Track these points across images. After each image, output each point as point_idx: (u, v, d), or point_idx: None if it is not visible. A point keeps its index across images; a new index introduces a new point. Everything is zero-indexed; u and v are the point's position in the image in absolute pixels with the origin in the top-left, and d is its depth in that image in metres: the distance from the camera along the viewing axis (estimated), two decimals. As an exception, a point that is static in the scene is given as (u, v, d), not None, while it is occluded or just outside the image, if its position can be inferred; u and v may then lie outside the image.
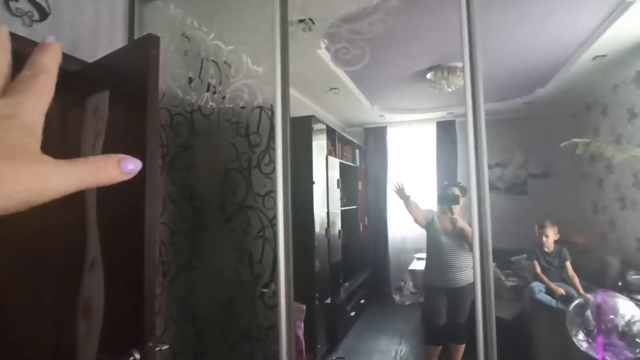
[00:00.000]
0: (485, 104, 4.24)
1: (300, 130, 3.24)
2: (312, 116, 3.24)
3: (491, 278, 1.38)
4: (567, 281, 3.33)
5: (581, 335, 2.20)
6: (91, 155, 1.51)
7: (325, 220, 3.68)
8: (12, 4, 1.29)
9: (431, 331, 3.06)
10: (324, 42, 2.66)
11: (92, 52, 1.56)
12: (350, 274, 4.63)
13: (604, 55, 3.05)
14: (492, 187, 5.24)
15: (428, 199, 3.31)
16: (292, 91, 4.00)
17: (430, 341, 3.13)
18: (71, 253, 1.45)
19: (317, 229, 3.54)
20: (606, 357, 2.10)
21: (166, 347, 1.32)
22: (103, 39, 1.66)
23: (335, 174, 3.95)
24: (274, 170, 1.56)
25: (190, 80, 1.85)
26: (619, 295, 2.19)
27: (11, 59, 0.30)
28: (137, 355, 1.13)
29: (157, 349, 1.17)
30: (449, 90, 3.37)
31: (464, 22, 1.43)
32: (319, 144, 3.57)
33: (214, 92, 1.75)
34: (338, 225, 4.12)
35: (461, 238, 2.81)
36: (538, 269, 3.33)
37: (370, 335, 4.13)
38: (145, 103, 1.21)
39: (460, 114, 5.13)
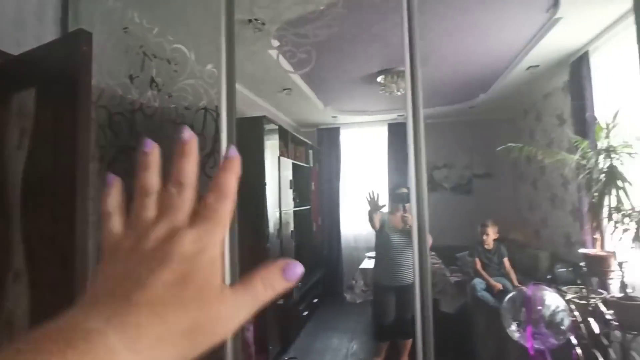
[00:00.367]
0: (434, 107, 4.45)
1: (251, 131, 3.20)
2: (264, 116, 3.21)
3: (429, 275, 1.44)
4: (506, 275, 3.59)
5: (514, 326, 2.38)
6: (15, 156, 1.40)
7: (278, 221, 3.66)
8: None
9: (380, 327, 3.15)
10: (274, 43, 2.65)
11: (19, 46, 1.43)
12: (304, 274, 4.64)
13: (537, 66, 3.31)
14: (439, 187, 5.50)
15: (380, 199, 3.43)
16: (244, 91, 3.96)
17: (379, 337, 3.23)
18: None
19: (271, 229, 3.52)
20: (534, 345, 2.28)
21: None
22: (32, 30, 1.54)
23: (288, 174, 3.94)
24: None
25: (132, 78, 1.76)
26: (546, 287, 2.38)
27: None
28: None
29: None
30: (399, 93, 3.48)
31: (405, 29, 1.48)
32: (271, 145, 3.55)
33: (157, 91, 1.68)
34: (291, 226, 4.12)
35: (410, 236, 2.91)
36: (479, 265, 3.56)
37: (323, 334, 4.17)
38: (76, 103, 1.14)
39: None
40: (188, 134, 0.30)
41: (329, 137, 5.70)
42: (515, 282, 3.42)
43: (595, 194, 2.20)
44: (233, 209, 0.29)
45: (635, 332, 2.10)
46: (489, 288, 3.41)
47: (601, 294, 2.49)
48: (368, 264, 4.08)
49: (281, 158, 3.68)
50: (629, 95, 2.42)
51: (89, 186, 1.15)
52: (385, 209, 3.13)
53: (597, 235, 2.39)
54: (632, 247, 2.04)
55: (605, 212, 2.14)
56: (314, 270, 4.96)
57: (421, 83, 1.50)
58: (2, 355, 0.20)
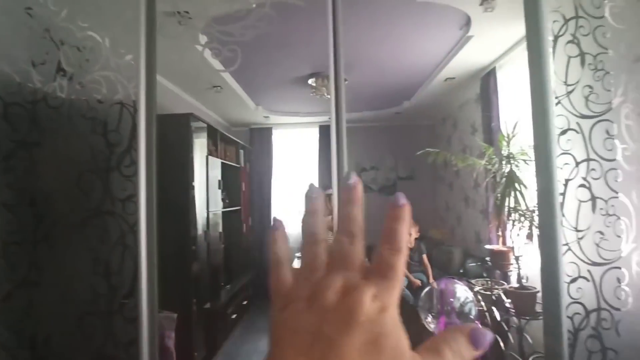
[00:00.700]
0: (362, 112, 4.61)
1: (177, 129, 3.05)
2: (191, 114, 3.08)
3: None
4: (423, 271, 3.87)
5: (429, 318, 2.57)
6: None
7: (205, 222, 3.54)
8: None
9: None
10: (202, 39, 2.56)
11: None
12: (233, 276, 4.55)
13: (453, 78, 3.61)
14: (367, 188, 5.73)
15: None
16: (171, 87, 3.76)
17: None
18: None
19: (199, 231, 3.39)
20: (447, 334, 2.48)
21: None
22: None
23: (216, 174, 3.83)
24: (136, 172, 1.44)
25: (34, 65, 1.58)
26: (457, 281, 2.61)
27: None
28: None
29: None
30: (329, 97, 3.55)
31: (330, 35, 1.52)
32: (200, 144, 3.42)
33: (69, 80, 1.53)
34: (220, 227, 4.00)
35: None
36: None
37: (252, 336, 4.12)
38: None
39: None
40: (354, 179, 0.29)
41: (261, 137, 5.64)
42: (431, 277, 3.72)
43: (498, 195, 2.46)
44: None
45: (528, 317, 2.39)
46: (410, 284, 3.65)
47: (503, 284, 2.79)
48: (297, 264, 4.11)
49: (210, 157, 3.57)
50: (527, 108, 2.75)
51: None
52: None
53: (500, 233, 2.68)
54: (525, 243, 2.32)
55: (505, 212, 2.40)
56: (244, 272, 4.88)
57: (344, 87, 1.55)
58: None
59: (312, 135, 5.62)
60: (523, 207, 2.37)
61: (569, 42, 1.47)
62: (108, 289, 1.48)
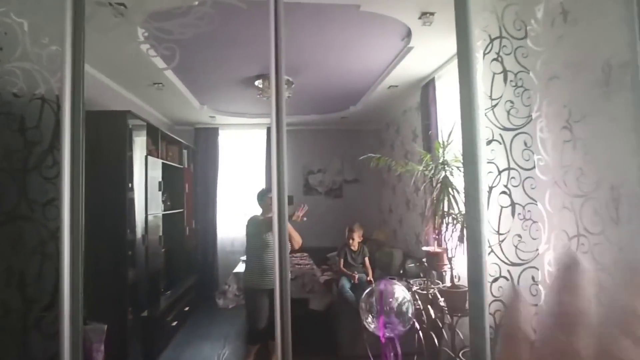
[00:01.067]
0: (310, 115, 4.62)
1: (113, 127, 2.86)
2: (128, 112, 2.91)
3: (288, 277, 1.49)
4: (365, 272, 3.99)
5: (370, 318, 2.64)
6: None
7: (144, 225, 3.36)
8: None
9: (252, 331, 3.14)
10: (140, 33, 2.43)
11: None
12: (173, 282, 4.36)
13: (396, 86, 3.76)
14: (314, 191, 5.78)
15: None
16: (109, 83, 3.53)
17: (251, 341, 3.21)
18: None
19: (137, 235, 3.20)
20: (385, 333, 2.57)
21: None
22: None
23: (157, 175, 3.65)
24: (59, 174, 1.33)
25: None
26: (396, 282, 2.72)
27: None
28: None
29: None
30: (275, 99, 3.54)
31: (272, 38, 1.51)
32: (138, 143, 3.24)
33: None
34: (160, 231, 3.82)
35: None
36: (341, 264, 3.96)
37: (194, 343, 3.97)
38: None
39: (290, 122, 5.46)
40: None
41: (206, 137, 5.47)
42: (371, 277, 3.89)
43: (434, 200, 2.59)
44: None
45: (460, 314, 2.54)
46: (353, 286, 3.75)
47: (438, 284, 2.95)
48: (242, 267, 4.04)
49: (149, 157, 3.39)
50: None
51: None
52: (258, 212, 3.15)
53: (436, 235, 2.84)
54: (458, 245, 2.47)
55: (440, 215, 2.54)
56: (186, 277, 4.69)
57: (283, 91, 1.54)
58: None
59: (260, 137, 5.55)
60: (456, 210, 2.53)
61: (494, 59, 1.60)
62: (23, 302, 1.35)
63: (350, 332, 3.31)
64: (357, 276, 3.80)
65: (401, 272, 3.85)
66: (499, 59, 1.60)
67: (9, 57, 1.40)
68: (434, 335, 2.79)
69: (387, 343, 2.63)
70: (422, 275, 3.28)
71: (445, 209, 2.52)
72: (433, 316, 2.78)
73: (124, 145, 2.92)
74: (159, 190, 3.71)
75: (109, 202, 2.87)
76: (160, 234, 3.82)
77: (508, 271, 1.60)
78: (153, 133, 3.63)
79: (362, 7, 2.17)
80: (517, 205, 1.57)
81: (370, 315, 2.71)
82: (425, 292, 2.87)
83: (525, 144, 1.59)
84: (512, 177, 1.57)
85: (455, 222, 2.48)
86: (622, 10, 1.67)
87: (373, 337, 2.69)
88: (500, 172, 1.57)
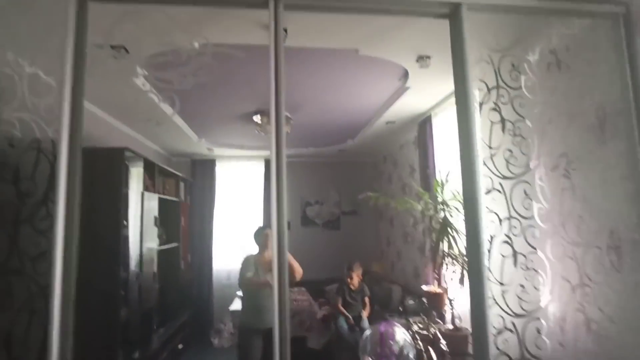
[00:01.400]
0: (307, 148, 4.63)
1: (110, 164, 2.84)
2: (125, 148, 2.90)
3: (287, 315, 1.43)
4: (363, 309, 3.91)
5: (369, 362, 2.56)
6: None
7: (139, 262, 3.29)
8: None
9: (243, 372, 3.02)
10: (141, 70, 2.46)
11: None
12: (167, 318, 4.23)
13: (394, 122, 3.80)
14: (312, 222, 5.73)
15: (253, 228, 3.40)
16: (105, 117, 3.53)
17: (242, 381, 3.09)
18: None
19: (131, 272, 3.13)
20: (386, 379, 2.48)
21: None
22: None
23: (153, 210, 3.61)
24: (51, 227, 1.30)
25: None
26: (396, 324, 2.65)
27: None
28: None
29: None
30: (273, 135, 3.56)
31: (272, 81, 1.52)
32: (135, 179, 3.22)
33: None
34: (154, 267, 3.74)
35: None
36: (339, 304, 3.87)
37: (186, 384, 3.82)
38: None
39: (288, 155, 5.49)
40: None
41: (203, 169, 5.46)
42: (365, 314, 3.82)
43: (434, 239, 2.56)
44: None
45: (462, 358, 2.47)
46: (351, 326, 3.66)
47: (439, 323, 2.88)
48: (238, 304, 3.94)
49: (145, 193, 3.36)
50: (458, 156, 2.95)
51: None
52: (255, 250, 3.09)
53: (436, 274, 2.79)
54: (459, 287, 2.42)
55: (440, 255, 2.51)
56: (180, 313, 4.56)
57: (283, 126, 1.52)
58: None
59: (257, 169, 5.55)
60: (456, 251, 2.49)
61: (491, 109, 1.62)
62: (7, 362, 1.29)
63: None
64: (349, 317, 3.73)
65: (400, 308, 3.76)
66: (497, 108, 1.61)
67: (7, 106, 1.39)
68: (436, 379, 2.69)
69: (388, 389, 2.54)
70: (422, 313, 3.20)
71: (445, 249, 2.49)
72: (435, 359, 2.69)
73: (120, 183, 2.90)
74: (155, 225, 3.66)
75: (103, 241, 2.81)
76: (155, 270, 3.73)
77: (512, 323, 1.55)
78: (150, 168, 3.61)
79: (361, 51, 2.21)
80: (519, 255, 1.55)
81: (369, 357, 2.63)
82: (425, 332, 2.79)
83: (525, 192, 1.58)
84: (514, 226, 1.55)
85: (455, 262, 2.44)
86: (613, 60, 1.71)
87: (373, 381, 2.59)
88: (501, 221, 1.56)
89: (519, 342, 1.54)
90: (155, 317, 3.79)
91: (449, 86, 2.87)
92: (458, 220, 2.56)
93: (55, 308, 1.27)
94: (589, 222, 1.62)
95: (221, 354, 3.96)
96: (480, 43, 1.64)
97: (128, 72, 2.44)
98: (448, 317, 2.97)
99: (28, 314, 1.31)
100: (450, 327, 2.65)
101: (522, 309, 1.54)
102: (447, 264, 2.47)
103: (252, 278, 2.89)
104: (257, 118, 3.52)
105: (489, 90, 1.62)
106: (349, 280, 3.96)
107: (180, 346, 4.30)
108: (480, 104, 1.59)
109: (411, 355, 2.58)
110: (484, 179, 1.54)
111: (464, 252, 2.47)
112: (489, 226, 1.55)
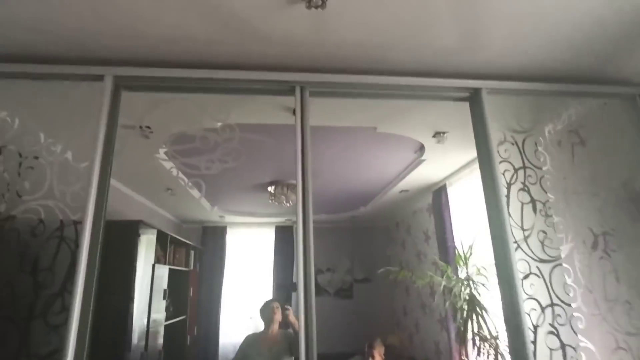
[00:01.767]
0: (320, 214, 4.56)
1: (123, 237, 2.80)
2: (140, 222, 2.88)
3: None
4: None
5: None
6: None
7: (145, 339, 3.10)
8: None
9: None
10: (163, 146, 2.51)
11: None
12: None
13: (407, 190, 3.79)
14: (323, 291, 5.50)
15: (263, 298, 3.22)
16: (121, 187, 3.54)
17: None
18: None
19: (137, 353, 2.93)
20: None
21: None
22: None
23: (162, 283, 3.48)
24: (66, 322, 1.22)
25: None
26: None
27: None
28: None
29: None
30: (288, 205, 3.55)
31: (299, 157, 1.54)
32: (147, 252, 3.15)
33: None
34: (160, 343, 3.52)
35: (279, 355, 2.71)
36: None
37: None
38: None
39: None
40: None
41: (214, 236, 5.39)
42: None
43: (460, 321, 2.40)
44: None
45: None
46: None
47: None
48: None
49: (156, 265, 3.27)
50: (478, 225, 2.87)
51: None
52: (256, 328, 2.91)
53: (465, 358, 2.57)
54: (493, 374, 2.22)
55: (469, 336, 2.33)
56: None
57: (311, 196, 1.56)
58: None
59: (268, 235, 5.48)
60: (486, 331, 2.32)
61: (520, 189, 1.58)
62: None
63: None
64: None
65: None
66: (526, 188, 1.58)
67: (33, 193, 1.39)
68: None
69: None
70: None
71: (475, 329, 2.32)
72: None
73: (133, 256, 2.83)
74: (164, 299, 3.52)
75: (110, 318, 2.68)
76: (161, 347, 3.51)
77: None
78: (162, 239, 3.56)
79: (379, 129, 2.25)
80: (567, 348, 1.42)
81: None
82: None
83: (565, 276, 1.50)
84: (558, 315, 1.44)
85: (487, 345, 2.26)
86: (634, 134, 1.71)
87: None
88: (543, 309, 1.45)
89: None
90: (157, 402, 3.50)
91: (465, 157, 2.90)
92: (484, 295, 2.42)
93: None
94: (639, 308, 1.50)
95: None
96: (502, 124, 1.66)
97: (150, 149, 2.48)
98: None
99: None
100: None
101: (577, 412, 1.38)
102: (478, 347, 2.28)
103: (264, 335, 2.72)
104: (271, 188, 3.53)
105: (515, 170, 1.60)
106: (370, 358, 3.68)
107: None
108: (509, 185, 1.57)
109: None
110: (520, 263, 1.46)
111: (495, 333, 2.30)
112: (530, 314, 1.44)
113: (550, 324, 1.43)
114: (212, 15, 1.30)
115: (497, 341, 2.22)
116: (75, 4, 1.24)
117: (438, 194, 3.59)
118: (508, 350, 1.41)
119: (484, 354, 2.33)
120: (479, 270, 2.50)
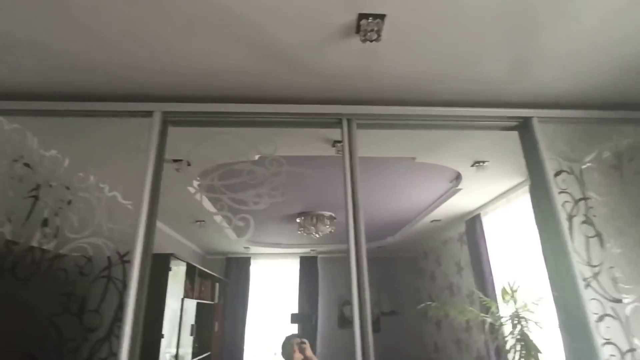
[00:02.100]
0: (345, 244, 4.41)
1: (153, 271, 2.74)
2: (171, 255, 2.84)
3: None
4: None
5: None
6: None
7: (170, 378, 2.99)
8: None
9: None
10: (196, 179, 2.50)
11: None
12: None
13: (439, 220, 3.68)
14: (350, 323, 5.28)
15: (286, 330, 3.08)
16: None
17: None
18: None
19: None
20: None
21: None
22: None
23: (190, 317, 3.40)
24: (113, 367, 1.16)
25: (9, 220, 1.40)
26: None
27: None
28: None
29: None
30: (316, 236, 3.47)
31: (348, 188, 1.55)
32: (177, 284, 3.10)
33: (40, 253, 1.33)
34: (185, 382, 3.40)
35: None
36: None
37: None
38: None
39: (322, 251, 5.35)
40: None
41: (238, 267, 5.31)
42: None
43: (508, 357, 2.24)
44: None
45: None
46: None
47: None
48: None
49: (185, 300, 3.20)
50: (522, 259, 2.74)
51: None
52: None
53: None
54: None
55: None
56: None
57: (364, 227, 1.52)
58: None
59: (292, 266, 5.37)
60: (540, 374, 2.15)
61: (582, 222, 1.49)
62: None
63: None
64: None
65: None
66: (589, 220, 1.48)
67: (81, 232, 1.36)
68: None
69: None
70: None
71: (527, 372, 2.15)
72: None
73: (164, 290, 2.77)
74: (191, 335, 3.42)
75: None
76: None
77: None
78: (191, 273, 3.51)
79: (418, 159, 2.20)
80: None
81: None
82: None
83: (643, 317, 1.37)
84: (639, 362, 1.30)
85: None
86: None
87: None
88: (623, 355, 1.31)
89: None
90: None
91: (502, 186, 2.80)
92: (536, 334, 2.26)
93: None
94: None
95: None
96: (556, 153, 1.58)
97: (185, 182, 2.48)
98: None
99: None
100: None
101: None
102: (532, 392, 2.10)
103: None
104: (300, 220, 3.48)
105: (576, 202, 1.51)
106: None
107: None
108: (570, 217, 1.47)
109: None
110: (591, 304, 1.35)
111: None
112: (608, 361, 1.31)
113: (633, 374, 1.30)
114: (263, 50, 1.30)
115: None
116: (125, 42, 1.25)
117: (472, 223, 3.47)
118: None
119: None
120: (525, 306, 2.35)
